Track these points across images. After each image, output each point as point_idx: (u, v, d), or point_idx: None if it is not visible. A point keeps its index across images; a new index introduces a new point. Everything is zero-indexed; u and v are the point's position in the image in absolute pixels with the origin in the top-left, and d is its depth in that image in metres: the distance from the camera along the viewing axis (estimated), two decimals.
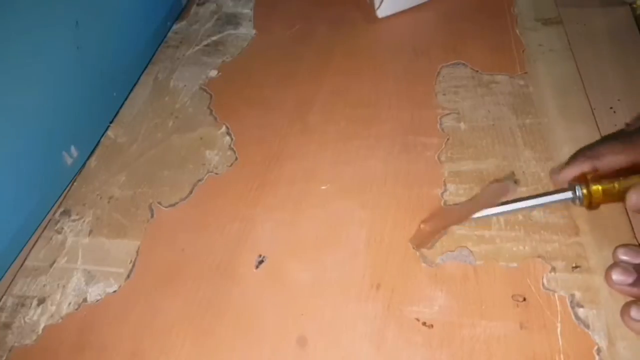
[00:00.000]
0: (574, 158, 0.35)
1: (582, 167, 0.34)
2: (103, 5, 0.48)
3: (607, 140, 0.36)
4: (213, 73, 0.51)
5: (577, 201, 0.33)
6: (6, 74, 0.37)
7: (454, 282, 0.33)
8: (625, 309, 0.29)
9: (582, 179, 0.33)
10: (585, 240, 0.34)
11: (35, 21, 0.40)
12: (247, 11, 0.59)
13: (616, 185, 0.32)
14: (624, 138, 0.34)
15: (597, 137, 0.40)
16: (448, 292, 0.33)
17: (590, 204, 0.33)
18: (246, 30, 0.56)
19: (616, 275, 0.30)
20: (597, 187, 0.32)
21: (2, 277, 0.37)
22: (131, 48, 0.52)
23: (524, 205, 0.34)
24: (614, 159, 0.33)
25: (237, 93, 0.49)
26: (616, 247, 0.31)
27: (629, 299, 0.30)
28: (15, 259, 0.38)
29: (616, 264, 0.31)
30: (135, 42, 0.52)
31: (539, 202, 0.34)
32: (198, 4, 0.60)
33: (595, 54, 0.47)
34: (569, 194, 0.33)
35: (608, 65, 0.46)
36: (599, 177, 0.33)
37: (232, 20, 0.57)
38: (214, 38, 0.55)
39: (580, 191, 0.33)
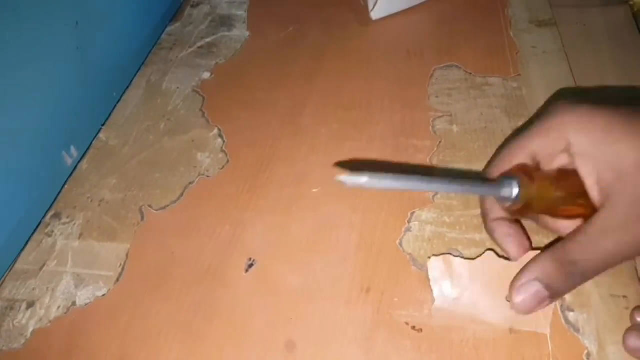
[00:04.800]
0: (509, 148, 0.29)
1: (518, 157, 0.28)
2: (103, 5, 0.48)
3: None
4: (206, 75, 0.51)
5: (509, 200, 0.27)
6: (6, 73, 0.37)
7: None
8: (625, 336, 0.29)
9: (521, 173, 0.27)
10: None
11: (35, 21, 0.39)
12: (241, 13, 0.58)
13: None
14: None
15: None
16: None
17: (526, 207, 0.27)
18: (240, 32, 0.56)
19: (632, 341, 0.28)
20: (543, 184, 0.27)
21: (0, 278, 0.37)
22: (131, 48, 0.52)
23: (443, 186, 0.27)
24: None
25: (229, 95, 0.48)
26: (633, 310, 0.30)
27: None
28: (13, 261, 0.38)
29: (633, 327, 0.29)
30: (134, 42, 0.52)
31: (460, 188, 0.28)
32: (192, 6, 0.60)
33: (595, 54, 0.47)
34: (499, 189, 0.27)
35: (607, 65, 0.45)
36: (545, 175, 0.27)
37: (225, 22, 0.57)
38: (207, 40, 0.55)
39: (517, 187, 0.27)
